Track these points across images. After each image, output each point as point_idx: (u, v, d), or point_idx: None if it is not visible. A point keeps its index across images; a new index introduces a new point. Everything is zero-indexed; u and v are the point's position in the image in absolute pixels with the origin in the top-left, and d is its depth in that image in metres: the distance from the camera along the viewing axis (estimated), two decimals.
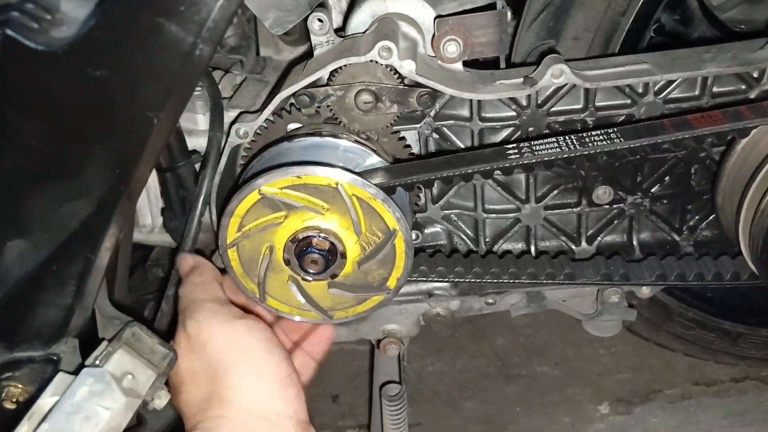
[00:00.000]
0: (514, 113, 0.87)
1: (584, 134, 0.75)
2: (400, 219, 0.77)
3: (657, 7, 0.87)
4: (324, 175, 0.74)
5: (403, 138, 0.89)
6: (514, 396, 1.44)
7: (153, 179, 0.91)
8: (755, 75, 0.81)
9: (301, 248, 0.79)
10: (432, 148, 0.92)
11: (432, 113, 0.88)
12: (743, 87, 0.82)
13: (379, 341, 1.01)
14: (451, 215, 0.98)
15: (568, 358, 1.48)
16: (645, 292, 0.93)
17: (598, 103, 0.85)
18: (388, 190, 0.78)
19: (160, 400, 0.70)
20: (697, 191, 0.91)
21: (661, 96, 0.83)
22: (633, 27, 0.87)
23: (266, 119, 0.84)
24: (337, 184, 0.75)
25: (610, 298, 0.92)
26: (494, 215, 0.96)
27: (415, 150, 0.91)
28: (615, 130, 0.75)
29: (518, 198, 0.94)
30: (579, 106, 0.85)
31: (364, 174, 0.77)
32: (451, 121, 0.89)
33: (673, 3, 0.95)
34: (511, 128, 0.88)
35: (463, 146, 0.91)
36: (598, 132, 0.75)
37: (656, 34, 0.93)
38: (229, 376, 0.70)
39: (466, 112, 0.88)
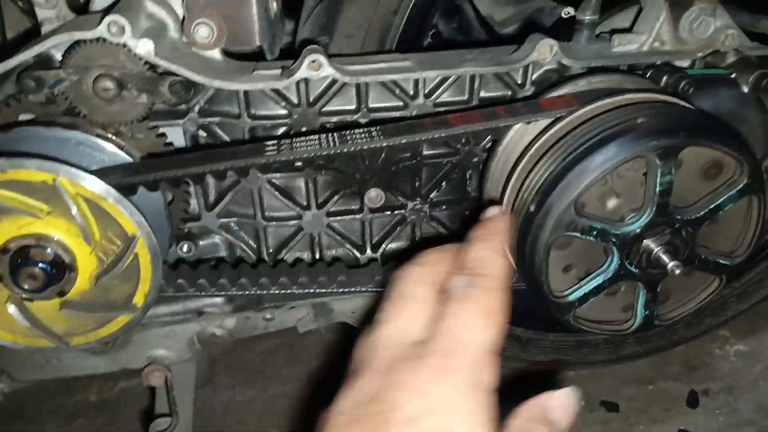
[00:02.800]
0: (285, 111, 0.81)
1: (346, 132, 0.71)
2: (140, 223, 0.67)
3: (430, 9, 0.87)
4: (36, 170, 0.62)
5: (163, 134, 0.79)
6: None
7: None
8: (519, 81, 0.83)
9: (15, 260, 0.65)
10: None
11: (196, 108, 0.80)
12: (509, 92, 0.83)
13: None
14: (231, 224, 0.89)
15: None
16: None
17: (372, 104, 0.81)
18: (126, 190, 0.67)
19: None
20: (473, 197, 0.91)
21: (431, 99, 0.82)
22: (408, 29, 0.86)
23: None
24: (54, 180, 0.63)
25: None
26: (275, 223, 0.89)
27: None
28: (377, 128, 0.71)
29: (299, 204, 0.88)
30: (352, 107, 0.81)
31: (94, 171, 0.66)
32: (219, 118, 0.81)
33: (450, 10, 0.96)
34: (284, 127, 0.82)
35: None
36: (361, 130, 0.71)
37: (434, 40, 0.92)
38: None
39: (235, 109, 0.81)
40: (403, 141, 0.69)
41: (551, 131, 0.72)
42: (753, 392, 1.31)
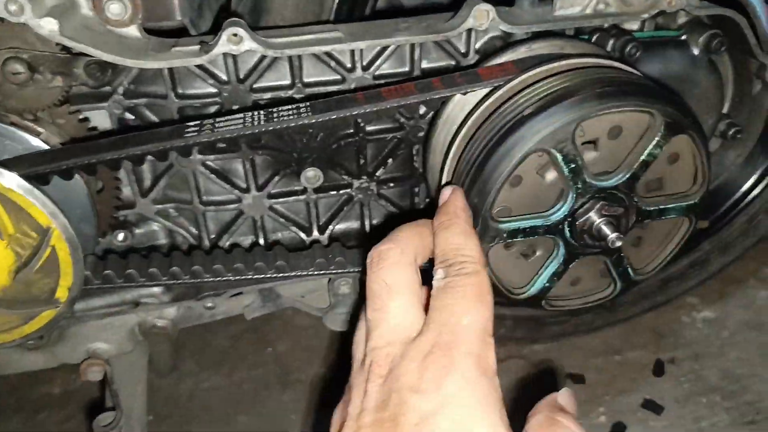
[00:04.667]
0: (214, 89, 0.76)
1: (272, 109, 0.67)
2: (53, 213, 0.63)
3: None
4: None
5: (86, 119, 0.75)
6: (291, 404, 1.35)
7: None
8: (462, 50, 0.79)
9: None
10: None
11: (120, 89, 0.75)
12: (452, 62, 0.80)
13: None
14: (168, 210, 0.86)
15: (351, 357, 1.42)
16: None
17: (306, 79, 0.78)
18: (39, 180, 0.63)
19: None
20: (421, 173, 0.88)
21: (369, 71, 0.78)
22: None
23: None
24: None
25: (340, 289, 0.86)
26: (214, 207, 0.86)
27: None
28: (306, 104, 0.67)
29: (238, 187, 0.84)
30: (286, 83, 0.77)
31: (1, 162, 0.61)
32: (145, 99, 0.76)
33: None
34: (216, 106, 0.78)
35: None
36: (288, 107, 0.67)
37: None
38: None
39: (161, 89, 0.76)
40: (333, 117, 0.65)
41: (489, 101, 0.69)
42: (719, 359, 1.31)
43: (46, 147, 0.70)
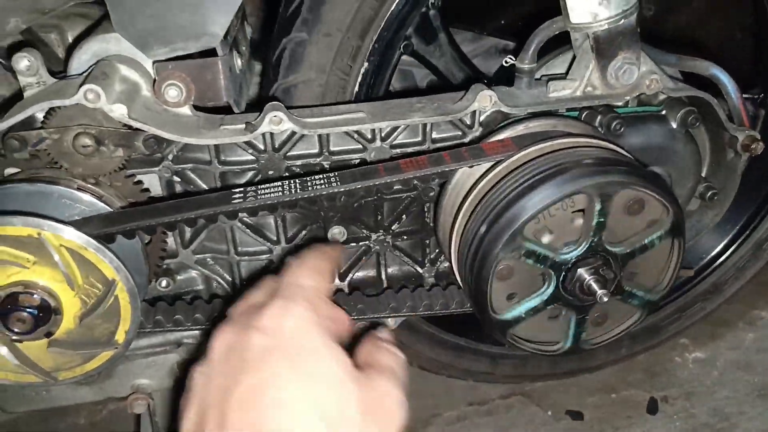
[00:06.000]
0: (252, 157, 0.88)
1: (306, 179, 0.78)
2: (118, 268, 0.74)
3: (405, 21, 0.94)
4: (21, 225, 0.69)
5: (140, 182, 0.86)
6: None
7: None
8: (468, 122, 0.90)
9: (5, 306, 0.72)
10: (178, 191, 0.89)
11: (170, 156, 0.86)
12: (459, 133, 0.91)
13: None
14: (206, 259, 0.96)
15: None
16: (390, 323, 0.97)
17: (333, 148, 0.89)
18: (105, 238, 0.74)
19: None
20: (432, 227, 0.98)
21: (387, 141, 0.89)
22: (384, 36, 0.92)
23: None
24: (39, 234, 0.70)
25: None
26: (248, 258, 0.96)
27: (158, 193, 0.88)
28: (335, 174, 0.78)
29: (269, 240, 0.95)
30: (315, 151, 0.88)
31: (74, 223, 0.72)
32: (191, 165, 0.88)
33: (426, 32, 1.03)
34: (253, 171, 0.89)
35: (206, 188, 0.89)
36: (319, 177, 0.78)
37: (405, 51, 0.99)
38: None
39: (206, 156, 0.87)
40: (359, 186, 0.76)
41: (493, 172, 0.80)
42: (709, 397, 1.39)
43: (107, 208, 0.80)
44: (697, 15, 1.24)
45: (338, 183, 0.77)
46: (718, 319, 1.52)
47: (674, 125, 0.93)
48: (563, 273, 0.76)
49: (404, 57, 1.02)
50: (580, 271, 0.76)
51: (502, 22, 1.27)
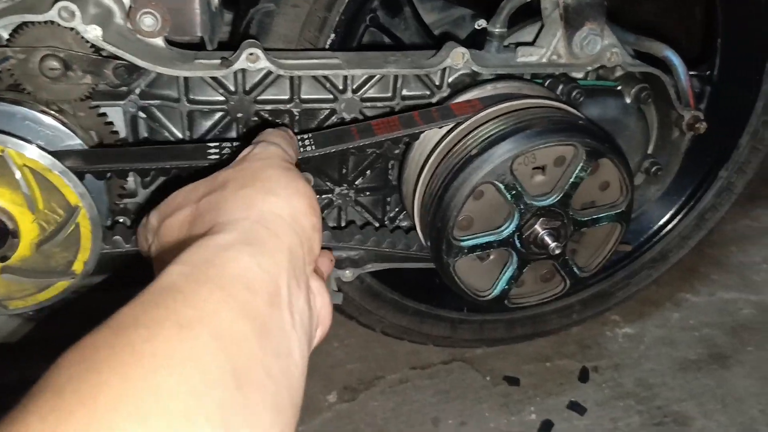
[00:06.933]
0: (222, 98, 0.87)
1: None
2: (83, 194, 0.72)
3: None
4: None
5: (104, 114, 0.84)
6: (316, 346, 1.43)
7: None
8: (437, 82, 0.93)
9: None
10: (142, 127, 0.88)
11: (137, 90, 0.85)
12: (428, 92, 0.93)
13: None
14: None
15: None
16: (348, 275, 0.99)
17: (303, 96, 0.89)
18: (76, 175, 0.72)
19: None
20: (394, 185, 1.01)
21: (358, 94, 0.90)
22: (350, 8, 0.93)
23: None
24: (2, 151, 0.67)
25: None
26: None
27: (121, 128, 0.86)
28: (309, 136, 0.79)
29: None
30: (285, 97, 0.89)
31: (44, 149, 0.70)
32: (159, 101, 0.86)
33: (392, 5, 1.04)
34: (221, 113, 0.89)
35: (172, 128, 0.88)
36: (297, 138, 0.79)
37: (371, 23, 1.01)
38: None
39: (174, 93, 0.86)
40: (332, 150, 0.78)
41: (456, 131, 0.83)
42: (636, 369, 1.48)
43: (71, 134, 0.78)
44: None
45: (313, 146, 0.78)
46: (647, 299, 1.63)
47: (628, 101, 0.98)
48: (526, 218, 0.80)
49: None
50: (540, 221, 0.81)
51: None
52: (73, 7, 0.69)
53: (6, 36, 0.75)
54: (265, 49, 0.81)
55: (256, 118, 0.89)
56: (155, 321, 0.37)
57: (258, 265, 0.44)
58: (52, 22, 0.71)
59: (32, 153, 0.68)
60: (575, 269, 0.88)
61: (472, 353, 1.49)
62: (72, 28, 0.71)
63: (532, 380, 1.44)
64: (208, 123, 0.89)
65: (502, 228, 0.81)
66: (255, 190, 0.51)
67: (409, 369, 1.47)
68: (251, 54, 0.78)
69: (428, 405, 1.39)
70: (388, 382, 1.44)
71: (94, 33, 0.72)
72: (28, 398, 0.33)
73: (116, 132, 0.85)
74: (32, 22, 0.73)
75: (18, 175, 0.68)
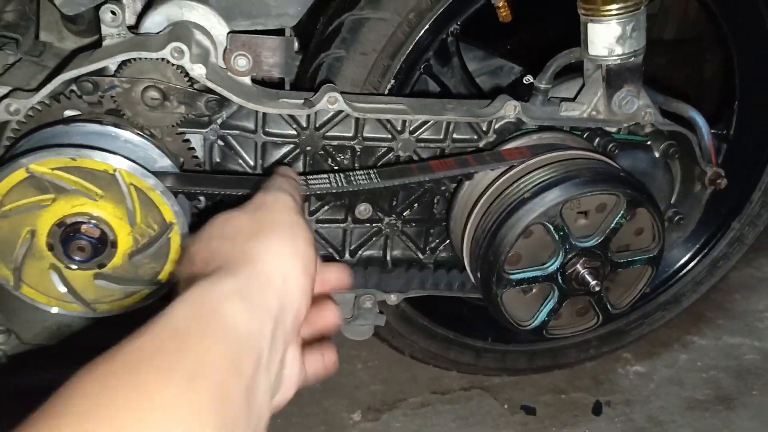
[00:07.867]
0: (295, 132, 0.96)
1: (350, 173, 0.88)
2: (178, 213, 0.81)
3: (428, 48, 1.05)
4: (102, 160, 0.75)
5: (188, 140, 0.93)
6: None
7: None
8: (484, 128, 1.02)
9: (68, 233, 0.78)
10: (216, 154, 0.97)
11: (219, 121, 0.94)
12: (475, 137, 1.03)
13: None
14: None
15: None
16: (393, 299, 1.07)
17: (366, 134, 0.99)
18: (175, 194, 0.81)
19: None
20: (437, 218, 1.09)
21: (414, 135, 1.00)
22: (410, 57, 1.03)
23: (41, 101, 0.82)
24: (114, 170, 0.76)
25: (365, 304, 1.05)
26: None
27: (199, 154, 0.95)
28: (375, 170, 0.89)
29: None
30: (350, 134, 0.98)
31: (153, 172, 0.79)
32: (237, 131, 0.95)
33: (444, 55, 1.14)
34: (291, 145, 0.98)
35: (246, 156, 0.97)
36: (361, 172, 0.88)
37: (424, 71, 1.11)
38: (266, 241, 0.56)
39: (251, 125, 0.95)
40: (396, 183, 0.87)
41: (506, 176, 0.92)
42: (646, 406, 1.55)
43: (164, 156, 0.87)
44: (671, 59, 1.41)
45: (378, 179, 0.87)
46: (657, 340, 1.71)
47: (657, 155, 1.08)
48: (569, 257, 0.89)
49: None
50: (582, 260, 0.90)
51: (508, 47, 1.41)
52: (184, 47, 0.79)
53: (113, 68, 0.85)
54: (342, 92, 0.91)
55: (322, 152, 0.98)
56: (165, 369, 0.43)
57: (249, 322, 0.49)
58: (163, 59, 0.81)
59: (141, 175, 0.77)
60: (609, 306, 0.96)
61: (490, 381, 1.56)
62: (180, 66, 0.81)
63: (549, 411, 1.51)
64: (279, 154, 0.98)
65: (547, 264, 0.90)
66: (259, 247, 0.54)
67: (430, 393, 1.53)
68: (331, 96, 0.88)
69: (449, 430, 1.45)
70: (410, 405, 1.51)
71: (198, 71, 0.81)
72: (38, 415, 0.38)
73: (197, 156, 0.94)
74: (139, 58, 0.83)
75: (125, 192, 0.77)
